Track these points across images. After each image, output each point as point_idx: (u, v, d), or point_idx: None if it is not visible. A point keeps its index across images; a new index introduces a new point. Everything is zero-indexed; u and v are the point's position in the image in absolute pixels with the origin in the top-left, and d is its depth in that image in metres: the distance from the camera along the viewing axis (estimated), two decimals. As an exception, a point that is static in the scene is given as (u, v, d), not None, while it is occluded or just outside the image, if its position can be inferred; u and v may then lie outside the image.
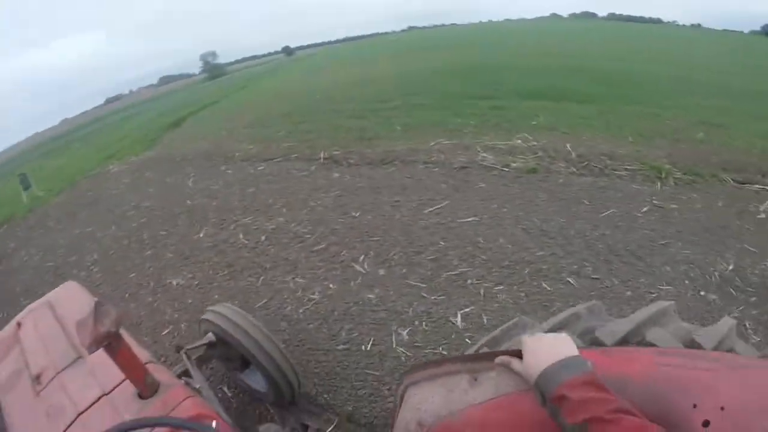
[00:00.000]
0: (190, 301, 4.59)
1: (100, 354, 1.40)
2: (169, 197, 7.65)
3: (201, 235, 5.87)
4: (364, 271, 4.53)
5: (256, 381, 2.84)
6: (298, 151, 8.39)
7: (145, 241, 6.24)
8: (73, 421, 1.59)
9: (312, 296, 4.26)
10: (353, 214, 5.62)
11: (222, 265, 5.05)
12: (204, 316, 2.69)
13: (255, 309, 4.21)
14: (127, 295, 4.93)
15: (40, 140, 54.10)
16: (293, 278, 4.62)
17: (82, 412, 1.61)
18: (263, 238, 5.41)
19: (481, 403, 1.08)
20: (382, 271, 4.50)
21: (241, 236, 5.55)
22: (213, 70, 66.94)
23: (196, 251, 5.48)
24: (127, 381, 1.58)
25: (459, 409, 1.09)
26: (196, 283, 4.85)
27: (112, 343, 1.32)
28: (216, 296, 4.53)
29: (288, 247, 5.14)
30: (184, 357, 2.57)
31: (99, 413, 1.58)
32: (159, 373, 1.68)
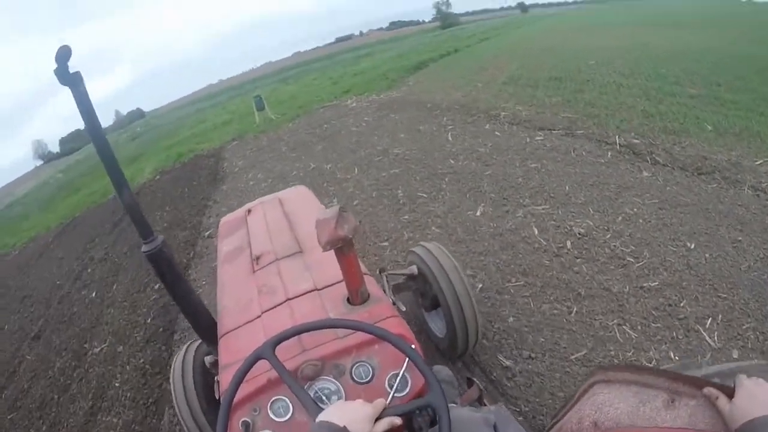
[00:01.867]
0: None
1: (322, 255, 1.63)
2: (426, 150, 6.67)
3: (477, 213, 4.63)
4: (714, 346, 2.87)
5: (437, 325, 2.84)
6: (582, 127, 6.66)
7: (400, 200, 5.31)
8: (281, 303, 1.80)
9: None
10: (687, 243, 3.81)
11: (513, 269, 3.72)
12: (414, 249, 2.67)
13: (570, 360, 2.84)
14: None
15: (273, 69, 59.33)
16: (619, 324, 3.08)
17: (292, 299, 1.80)
18: (569, 244, 3.91)
19: (669, 428, 0.99)
20: (735, 353, 2.81)
21: (535, 231, 4.15)
22: (446, 18, 66.16)
23: (473, 235, 4.26)
24: (340, 285, 1.72)
25: (643, 426, 1.01)
26: (477, 286, 3.61)
27: (344, 247, 1.42)
28: (505, 312, 3.29)
29: (606, 269, 3.58)
30: (384, 279, 2.57)
31: (307, 304, 1.74)
32: (371, 286, 1.74)
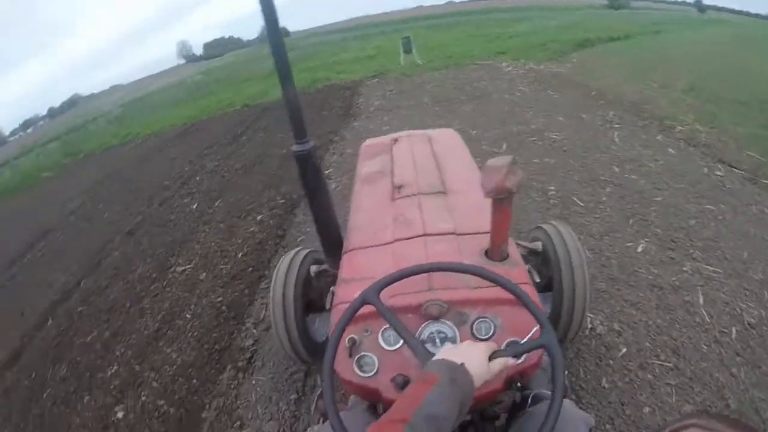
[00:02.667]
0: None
1: (465, 201, 1.96)
2: (588, 146, 5.62)
3: (639, 249, 3.59)
4: None
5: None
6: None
7: (551, 199, 4.41)
8: (416, 237, 1.77)
9: None
10: None
11: (665, 341, 2.68)
12: (542, 225, 2.42)
13: None
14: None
15: (424, 13, 57.95)
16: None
17: (428, 235, 1.77)
18: (734, 332, 2.73)
19: None
20: None
21: (701, 299, 2.98)
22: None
23: (629, 278, 3.25)
24: (480, 236, 1.67)
25: None
26: (620, 348, 2.70)
27: (504, 199, 1.36)
28: (642, 398, 2.37)
29: (765, 384, 2.61)
30: None
31: (443, 245, 1.69)
32: (510, 246, 1.66)
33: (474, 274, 1.25)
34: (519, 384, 1.33)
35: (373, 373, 1.29)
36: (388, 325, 1.30)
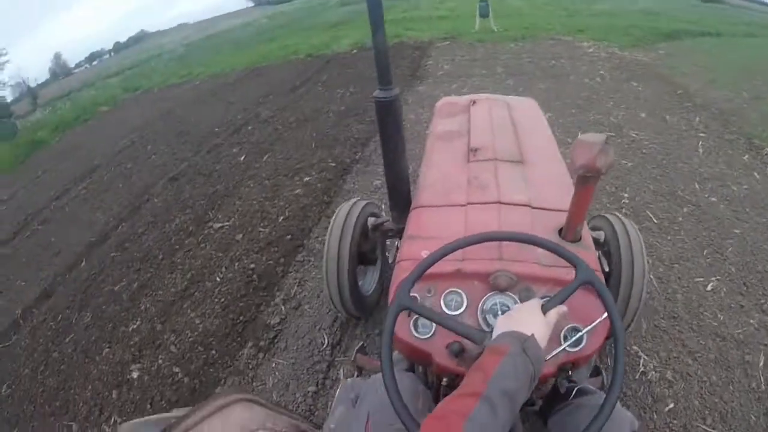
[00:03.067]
0: None
1: (543, 174, 1.93)
2: (670, 152, 5.08)
3: (708, 287, 3.11)
4: None
5: None
6: None
7: (623, 208, 4.01)
8: (491, 203, 1.72)
9: None
10: None
11: (716, 403, 2.34)
12: (606, 215, 2.33)
13: None
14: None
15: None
16: None
17: (502, 203, 1.71)
18: None
19: None
20: None
21: (761, 360, 2.58)
22: (711, -9, 56.69)
23: (693, 320, 2.83)
24: (555, 213, 1.63)
25: None
26: (667, 403, 2.35)
27: (591, 178, 1.30)
28: None
29: None
30: None
31: (517, 216, 1.64)
32: (585, 230, 1.59)
33: (553, 251, 1.20)
34: (570, 373, 1.28)
35: (429, 335, 1.26)
36: (452, 288, 1.30)
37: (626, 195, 4.19)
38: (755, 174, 4.80)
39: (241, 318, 3.13)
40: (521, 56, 9.17)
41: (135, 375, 2.90)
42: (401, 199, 2.24)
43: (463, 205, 1.74)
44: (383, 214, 2.74)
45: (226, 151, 6.16)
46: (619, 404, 1.21)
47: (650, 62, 9.24)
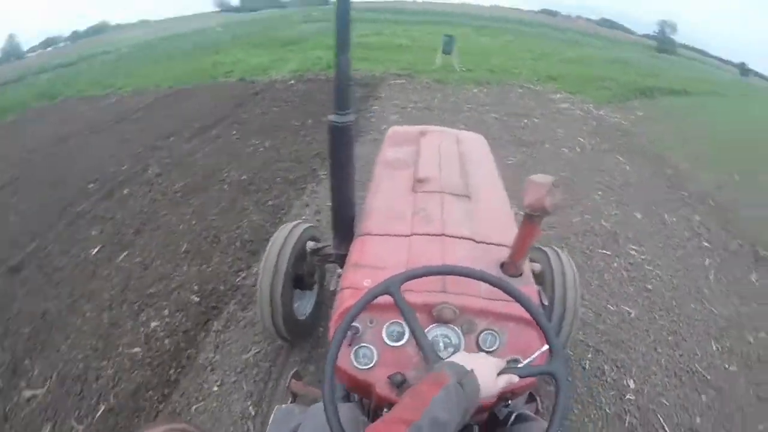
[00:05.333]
0: None
1: (488, 210, 1.95)
2: (676, 287, 3.74)
3: None
4: None
5: None
6: None
7: (626, 401, 2.63)
8: (435, 235, 1.72)
9: None
10: None
11: None
12: (543, 248, 2.42)
13: None
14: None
15: (469, 11, 55.22)
16: None
17: (446, 236, 1.71)
18: None
19: None
20: None
21: None
22: (664, 42, 58.32)
23: None
24: (498, 248, 1.64)
25: None
26: None
27: (536, 217, 1.33)
28: None
29: None
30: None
31: (461, 249, 1.64)
32: (526, 265, 1.62)
33: (503, 290, 1.20)
34: (509, 401, 1.34)
35: (370, 366, 1.25)
36: (394, 320, 1.30)
37: (631, 385, 2.76)
38: None
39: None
40: (486, 108, 7.77)
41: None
42: (345, 225, 2.12)
43: (408, 236, 1.72)
44: (324, 239, 2.64)
45: (83, 231, 4.36)
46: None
47: (630, 128, 8.06)
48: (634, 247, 4.07)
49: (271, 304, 2.20)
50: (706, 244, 4.50)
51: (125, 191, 5.02)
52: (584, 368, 2.80)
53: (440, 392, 0.87)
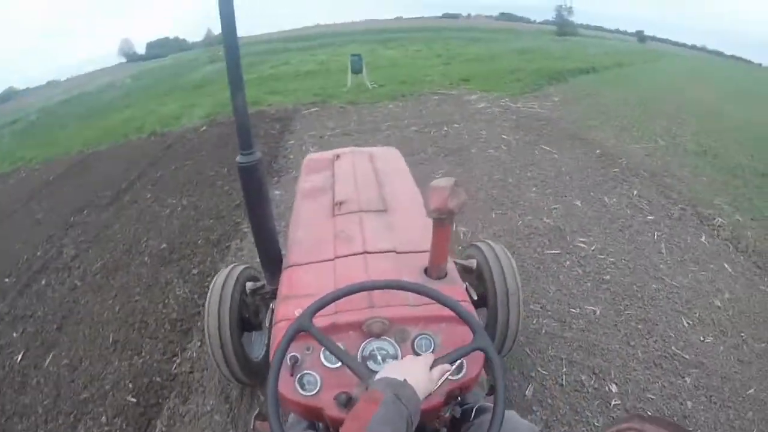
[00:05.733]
0: None
1: (406, 219, 1.98)
2: (633, 270, 3.62)
3: None
4: None
5: None
6: None
7: (613, 405, 2.41)
8: (357, 254, 1.74)
9: None
10: None
11: None
12: (477, 243, 2.45)
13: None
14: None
15: (373, 27, 56.04)
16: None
17: (368, 252, 1.74)
18: None
19: None
20: None
21: None
22: (564, 25, 61.15)
23: None
24: (420, 255, 1.67)
25: None
26: None
27: (446, 219, 1.38)
28: None
29: None
30: None
31: (383, 263, 1.67)
32: (449, 265, 1.67)
33: (399, 288, 1.29)
34: (459, 398, 1.33)
35: (315, 391, 1.25)
36: None
37: (614, 387, 2.60)
38: (725, 265, 3.77)
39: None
40: (406, 122, 7.52)
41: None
42: (272, 260, 2.11)
43: (332, 260, 1.74)
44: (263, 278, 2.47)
45: (5, 336, 3.59)
46: (516, 415, 1.33)
47: (550, 115, 8.07)
48: (582, 239, 3.90)
49: (223, 353, 2.17)
50: (650, 217, 4.43)
51: (42, 281, 4.39)
52: (562, 385, 2.56)
53: (379, 409, 0.88)
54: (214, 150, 7.00)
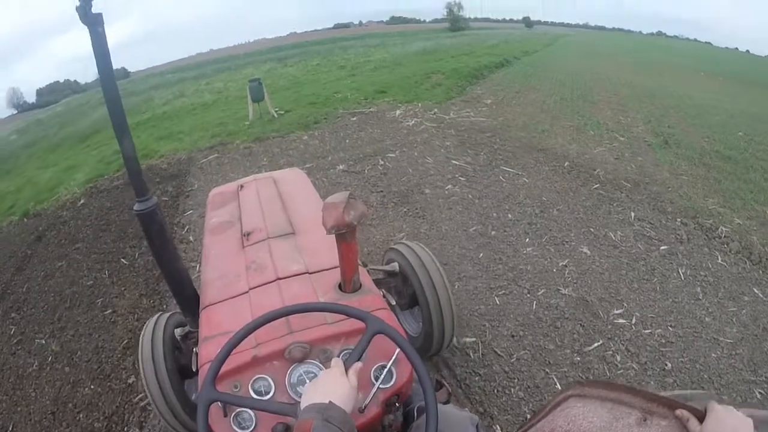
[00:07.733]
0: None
1: (315, 239, 1.90)
2: (689, 340, 2.80)
3: None
4: None
5: (411, 323, 2.61)
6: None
7: None
8: (271, 282, 1.70)
9: None
10: None
11: None
12: (395, 246, 2.44)
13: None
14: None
15: (268, 46, 54.86)
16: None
17: (282, 278, 1.71)
18: None
19: None
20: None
21: None
22: (456, 21, 63.41)
23: None
24: (332, 271, 1.67)
25: None
26: None
27: (347, 234, 1.38)
28: None
29: None
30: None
31: (297, 286, 1.66)
32: (363, 276, 1.67)
33: (291, 313, 1.29)
34: (397, 404, 1.30)
35: (252, 427, 1.21)
36: (256, 376, 1.29)
37: None
38: (756, 292, 3.24)
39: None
40: (329, 159, 6.12)
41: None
42: (189, 303, 2.00)
43: (246, 292, 1.69)
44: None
45: None
46: (454, 407, 1.40)
47: (492, 123, 7.26)
48: (617, 311, 2.90)
49: (166, 404, 1.98)
50: (663, 247, 3.72)
51: None
52: None
53: None
54: (93, 239, 5.21)
